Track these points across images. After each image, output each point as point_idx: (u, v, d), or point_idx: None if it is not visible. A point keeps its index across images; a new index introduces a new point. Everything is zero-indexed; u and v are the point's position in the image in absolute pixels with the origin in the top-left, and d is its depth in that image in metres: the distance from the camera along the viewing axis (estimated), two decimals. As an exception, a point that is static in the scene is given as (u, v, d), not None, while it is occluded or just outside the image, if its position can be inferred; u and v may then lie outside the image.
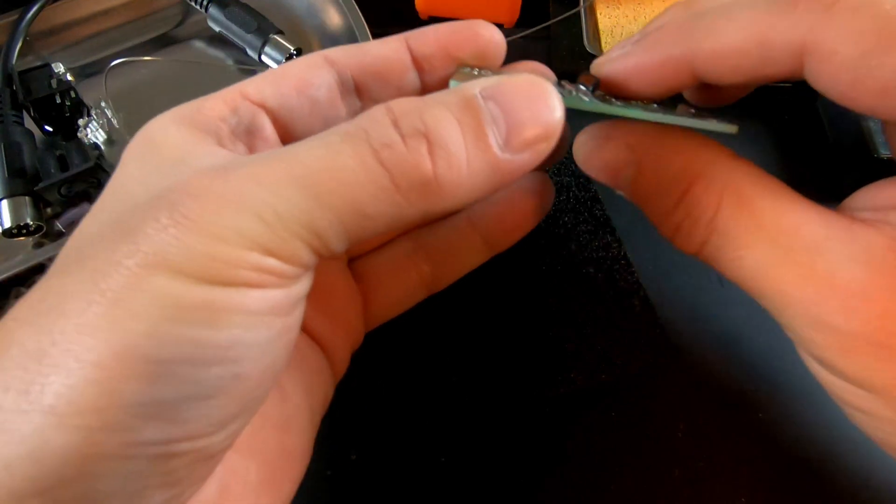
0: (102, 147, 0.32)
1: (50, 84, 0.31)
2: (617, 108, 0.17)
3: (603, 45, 0.35)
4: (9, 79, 0.31)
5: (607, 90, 0.18)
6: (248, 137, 0.18)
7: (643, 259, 0.27)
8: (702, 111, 0.18)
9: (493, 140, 0.15)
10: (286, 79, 0.18)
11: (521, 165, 0.15)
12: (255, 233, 0.13)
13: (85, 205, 0.29)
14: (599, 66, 0.19)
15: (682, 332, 0.25)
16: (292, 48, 0.33)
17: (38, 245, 0.29)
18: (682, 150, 0.18)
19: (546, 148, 0.15)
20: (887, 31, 0.13)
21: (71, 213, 0.29)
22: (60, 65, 0.32)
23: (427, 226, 0.23)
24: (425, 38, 0.19)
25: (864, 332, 0.14)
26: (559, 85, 0.16)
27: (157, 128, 0.16)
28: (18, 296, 0.16)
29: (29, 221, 0.27)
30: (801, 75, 0.15)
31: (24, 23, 0.33)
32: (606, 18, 0.36)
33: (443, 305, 0.24)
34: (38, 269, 0.26)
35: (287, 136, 0.19)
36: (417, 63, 0.20)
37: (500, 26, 0.36)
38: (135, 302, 0.13)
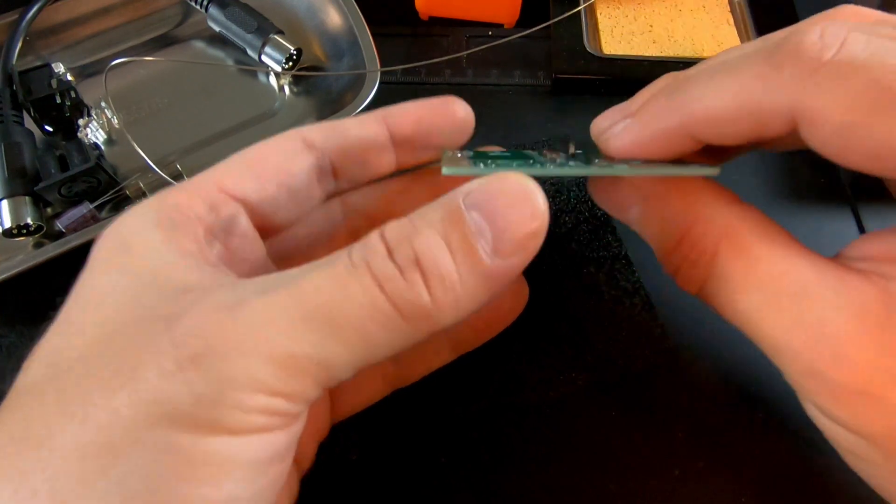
0: (102, 147, 0.32)
1: (50, 84, 0.31)
2: (602, 169, 0.18)
3: (603, 45, 0.35)
4: (9, 79, 0.31)
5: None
6: (224, 235, 0.17)
7: (643, 259, 0.27)
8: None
9: (482, 251, 0.15)
10: (265, 169, 0.18)
11: (514, 267, 0.15)
12: (266, 375, 0.13)
13: (85, 204, 0.29)
14: (601, 140, 0.19)
15: (682, 332, 0.25)
16: (292, 48, 0.33)
17: (38, 245, 0.28)
18: (683, 191, 0.18)
19: (536, 245, 0.15)
20: (874, 96, 0.13)
21: (71, 213, 0.29)
22: (60, 65, 0.32)
23: None
24: (403, 117, 0.20)
25: (853, 382, 0.14)
26: (542, 155, 0.16)
27: (129, 231, 0.16)
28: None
29: (29, 221, 0.27)
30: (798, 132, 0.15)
31: (24, 23, 0.33)
32: (606, 18, 0.36)
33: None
34: (38, 269, 0.26)
35: (264, 225, 0.18)
36: (395, 141, 0.20)
37: (500, 26, 0.37)
38: (135, 457, 0.12)
